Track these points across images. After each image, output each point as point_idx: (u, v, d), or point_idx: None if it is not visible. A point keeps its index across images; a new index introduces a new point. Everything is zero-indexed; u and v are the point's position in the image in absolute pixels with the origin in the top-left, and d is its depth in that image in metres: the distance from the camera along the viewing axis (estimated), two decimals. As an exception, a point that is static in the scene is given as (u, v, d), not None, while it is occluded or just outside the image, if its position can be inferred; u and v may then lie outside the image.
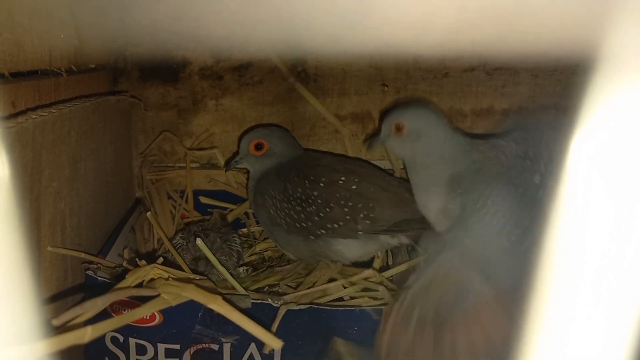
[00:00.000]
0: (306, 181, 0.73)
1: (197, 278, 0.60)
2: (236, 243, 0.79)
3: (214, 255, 0.63)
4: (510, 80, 0.93)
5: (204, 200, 0.91)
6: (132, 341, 0.57)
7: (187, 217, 0.90)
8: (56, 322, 0.39)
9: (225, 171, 0.85)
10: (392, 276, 0.66)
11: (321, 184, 0.71)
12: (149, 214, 0.66)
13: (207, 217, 0.89)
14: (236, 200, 0.92)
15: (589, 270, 0.21)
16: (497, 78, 0.93)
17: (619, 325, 0.21)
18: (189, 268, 0.68)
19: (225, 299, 0.46)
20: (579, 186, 0.21)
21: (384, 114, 0.74)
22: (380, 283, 0.61)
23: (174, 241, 0.77)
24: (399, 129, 0.67)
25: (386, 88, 0.91)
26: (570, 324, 0.22)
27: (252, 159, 0.80)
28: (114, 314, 0.54)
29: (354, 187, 0.71)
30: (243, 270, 0.80)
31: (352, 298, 0.63)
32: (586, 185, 0.21)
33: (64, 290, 0.56)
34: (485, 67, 0.92)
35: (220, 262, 0.63)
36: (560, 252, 0.22)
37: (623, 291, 0.21)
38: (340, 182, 0.72)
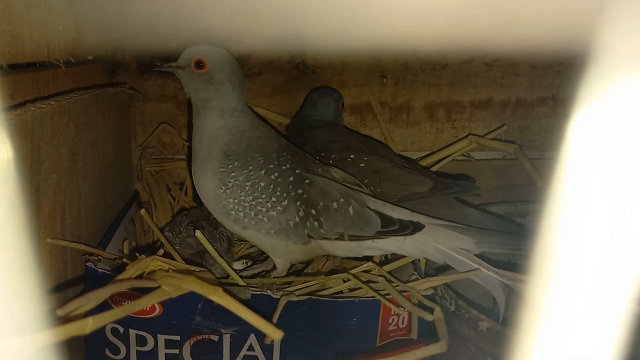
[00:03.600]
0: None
1: (197, 270, 0.60)
2: (225, 229, 0.79)
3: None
4: (509, 71, 0.93)
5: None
6: (133, 332, 0.58)
7: (187, 209, 0.90)
8: (60, 312, 0.39)
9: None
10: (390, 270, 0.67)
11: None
12: (142, 211, 0.66)
13: (195, 206, 0.88)
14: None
15: (587, 267, 0.21)
16: (496, 69, 0.93)
17: (615, 323, 0.21)
18: (190, 262, 0.68)
19: (225, 290, 0.46)
20: (577, 180, 0.21)
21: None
22: (380, 275, 0.61)
23: (163, 234, 0.77)
24: (199, 65, 0.65)
25: (385, 79, 0.91)
26: (567, 323, 0.22)
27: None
28: (114, 305, 0.55)
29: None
30: (242, 263, 0.80)
31: (351, 290, 0.63)
32: (584, 179, 0.21)
33: (64, 281, 0.57)
34: (484, 58, 0.92)
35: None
36: (558, 248, 0.22)
37: (621, 289, 0.21)
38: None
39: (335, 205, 0.63)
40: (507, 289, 0.61)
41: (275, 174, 0.63)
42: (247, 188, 0.63)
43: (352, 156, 0.74)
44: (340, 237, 0.63)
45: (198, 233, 0.60)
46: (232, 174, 0.63)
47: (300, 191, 0.63)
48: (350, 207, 0.63)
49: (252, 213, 0.63)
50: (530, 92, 0.95)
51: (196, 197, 0.91)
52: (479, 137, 0.90)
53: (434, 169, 0.90)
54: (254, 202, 0.63)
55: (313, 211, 0.63)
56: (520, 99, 0.95)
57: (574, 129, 0.21)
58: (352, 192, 0.64)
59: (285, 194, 0.63)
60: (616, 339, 0.21)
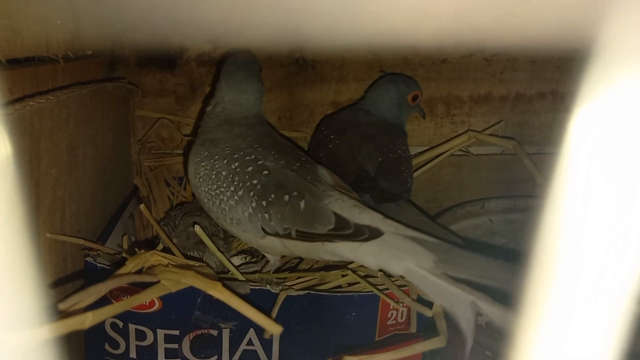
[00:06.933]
0: None
1: (197, 265, 0.60)
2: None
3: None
4: (508, 66, 0.93)
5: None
6: (132, 327, 0.58)
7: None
8: (61, 306, 0.39)
9: None
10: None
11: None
12: (142, 206, 0.66)
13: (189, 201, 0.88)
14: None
15: (588, 263, 0.21)
16: (496, 64, 0.93)
17: (616, 321, 0.21)
18: (189, 257, 0.68)
19: (224, 285, 0.46)
20: (577, 175, 0.21)
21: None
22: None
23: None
24: None
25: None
26: (567, 319, 0.22)
27: None
28: (113, 300, 0.55)
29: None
30: (241, 258, 0.80)
31: (350, 285, 0.63)
32: (584, 174, 0.21)
33: (63, 276, 0.57)
34: (483, 53, 0.92)
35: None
36: (559, 247, 0.22)
37: (621, 286, 0.21)
38: None
39: (287, 197, 0.59)
40: (477, 314, 0.50)
41: (236, 164, 0.63)
42: (213, 177, 0.64)
43: (332, 136, 0.79)
44: (288, 234, 0.59)
45: (197, 228, 0.60)
46: (202, 163, 0.66)
47: (255, 181, 0.61)
48: (303, 201, 0.58)
49: (217, 202, 0.64)
50: (530, 87, 0.95)
51: (195, 192, 0.91)
52: (478, 133, 0.90)
53: (432, 163, 0.90)
54: (217, 191, 0.64)
55: (264, 202, 0.60)
56: (519, 94, 0.95)
57: (574, 124, 0.21)
58: (309, 186, 0.60)
59: (241, 184, 0.62)
60: (616, 336, 0.21)
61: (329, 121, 0.85)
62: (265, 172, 0.62)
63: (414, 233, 0.55)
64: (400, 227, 0.56)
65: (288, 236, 0.59)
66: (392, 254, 0.54)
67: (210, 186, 0.65)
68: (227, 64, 0.74)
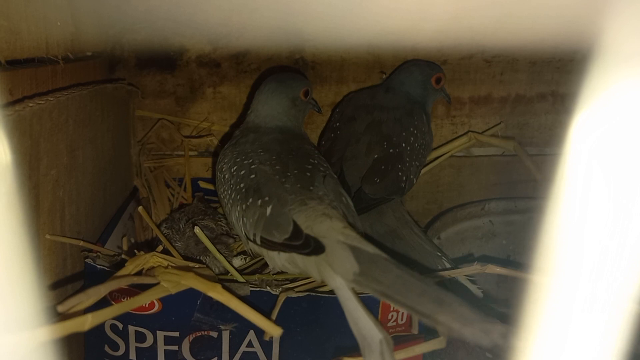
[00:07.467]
0: None
1: (197, 266, 0.60)
2: (223, 222, 0.79)
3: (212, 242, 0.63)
4: (508, 67, 0.93)
5: (203, 185, 0.90)
6: (132, 329, 0.58)
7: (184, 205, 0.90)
8: (61, 308, 0.39)
9: None
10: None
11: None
12: (140, 208, 0.66)
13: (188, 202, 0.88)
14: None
15: (588, 264, 0.21)
16: (496, 65, 0.93)
17: (616, 322, 0.21)
18: (189, 258, 0.68)
19: (224, 286, 0.46)
20: (577, 176, 0.21)
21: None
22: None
23: (161, 231, 0.76)
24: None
25: (384, 75, 0.91)
26: (567, 320, 0.22)
27: None
28: (113, 302, 0.55)
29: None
30: (241, 258, 0.80)
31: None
32: (585, 175, 0.21)
33: (63, 278, 0.57)
34: (483, 54, 0.91)
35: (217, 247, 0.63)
36: (559, 245, 0.22)
37: (622, 287, 0.21)
38: None
39: (259, 202, 0.57)
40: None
41: (235, 167, 0.63)
42: (222, 180, 0.66)
43: (337, 124, 0.81)
44: (255, 240, 0.57)
45: (197, 230, 0.60)
46: (218, 166, 0.68)
47: (242, 185, 0.61)
48: (270, 206, 0.56)
49: (223, 204, 0.65)
50: (530, 88, 0.95)
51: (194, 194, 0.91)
52: (478, 134, 0.90)
53: (432, 165, 0.90)
54: (223, 195, 0.65)
55: (244, 206, 0.59)
56: (519, 95, 0.95)
57: (574, 125, 0.21)
58: (281, 193, 0.58)
59: (233, 187, 0.62)
60: (617, 337, 0.21)
61: (346, 103, 0.84)
62: (252, 175, 0.61)
63: (360, 243, 0.49)
64: (355, 238, 0.51)
65: (255, 242, 0.58)
66: (331, 264, 0.50)
67: (220, 188, 0.66)
68: (269, 77, 0.75)
